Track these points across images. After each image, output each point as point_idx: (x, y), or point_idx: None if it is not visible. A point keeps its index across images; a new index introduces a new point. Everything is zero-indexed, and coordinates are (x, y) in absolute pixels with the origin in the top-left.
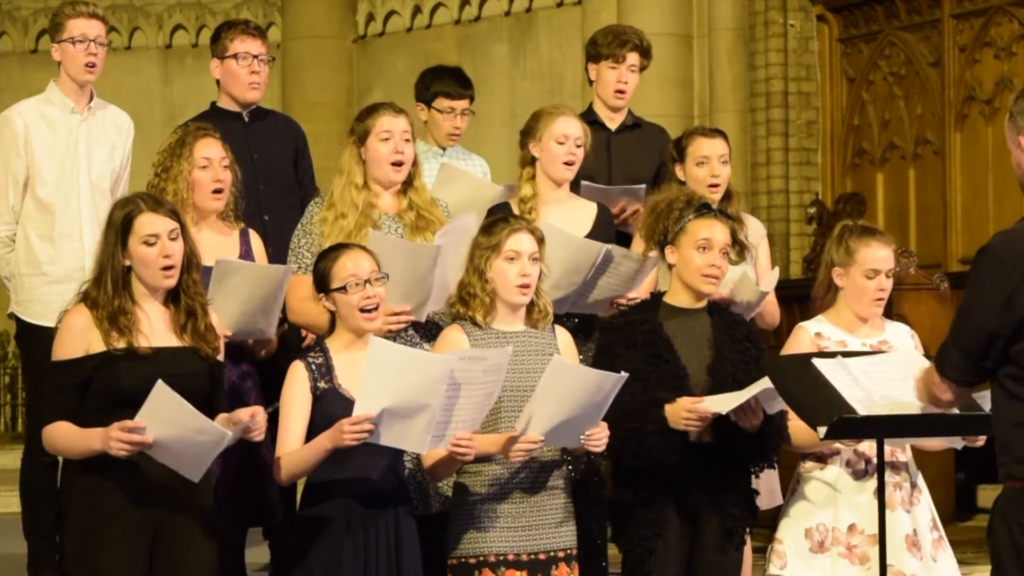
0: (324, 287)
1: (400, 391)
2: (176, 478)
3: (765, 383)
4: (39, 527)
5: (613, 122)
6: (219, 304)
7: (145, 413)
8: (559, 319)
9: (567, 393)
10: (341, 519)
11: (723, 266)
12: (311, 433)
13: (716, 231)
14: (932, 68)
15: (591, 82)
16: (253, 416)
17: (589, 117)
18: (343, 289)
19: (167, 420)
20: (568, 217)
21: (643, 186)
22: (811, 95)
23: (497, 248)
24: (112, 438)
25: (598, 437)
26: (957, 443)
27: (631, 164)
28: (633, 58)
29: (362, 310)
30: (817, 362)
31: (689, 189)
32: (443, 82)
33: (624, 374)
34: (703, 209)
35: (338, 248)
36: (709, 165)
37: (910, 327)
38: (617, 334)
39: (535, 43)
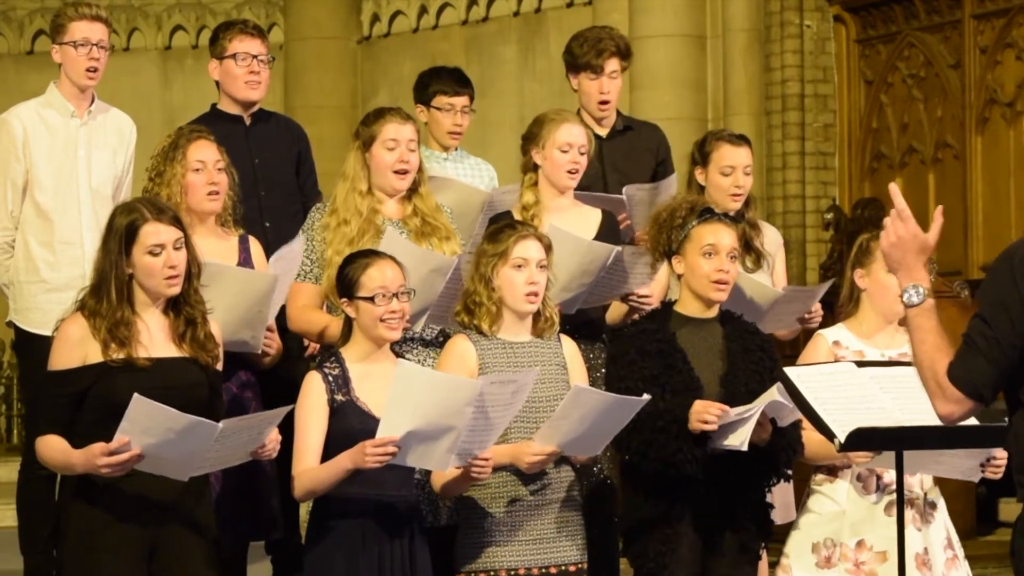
0: (349, 293)
1: (426, 414)
2: (175, 491)
3: (772, 394)
4: (36, 541)
5: (602, 128)
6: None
7: (125, 428)
8: (563, 325)
9: (587, 414)
10: (356, 534)
11: (732, 270)
12: (327, 446)
13: (722, 235)
14: (952, 70)
15: (574, 88)
16: (272, 440)
17: None
18: (370, 299)
19: (149, 429)
20: (572, 224)
21: (623, 197)
22: (828, 97)
23: (504, 255)
24: (99, 464)
25: None
26: (975, 476)
27: (626, 169)
28: (613, 64)
29: (384, 320)
30: (838, 372)
31: (692, 196)
32: (441, 81)
33: (647, 397)
34: (706, 213)
35: (368, 255)
36: (734, 175)
37: None
38: (630, 342)
39: (544, 44)
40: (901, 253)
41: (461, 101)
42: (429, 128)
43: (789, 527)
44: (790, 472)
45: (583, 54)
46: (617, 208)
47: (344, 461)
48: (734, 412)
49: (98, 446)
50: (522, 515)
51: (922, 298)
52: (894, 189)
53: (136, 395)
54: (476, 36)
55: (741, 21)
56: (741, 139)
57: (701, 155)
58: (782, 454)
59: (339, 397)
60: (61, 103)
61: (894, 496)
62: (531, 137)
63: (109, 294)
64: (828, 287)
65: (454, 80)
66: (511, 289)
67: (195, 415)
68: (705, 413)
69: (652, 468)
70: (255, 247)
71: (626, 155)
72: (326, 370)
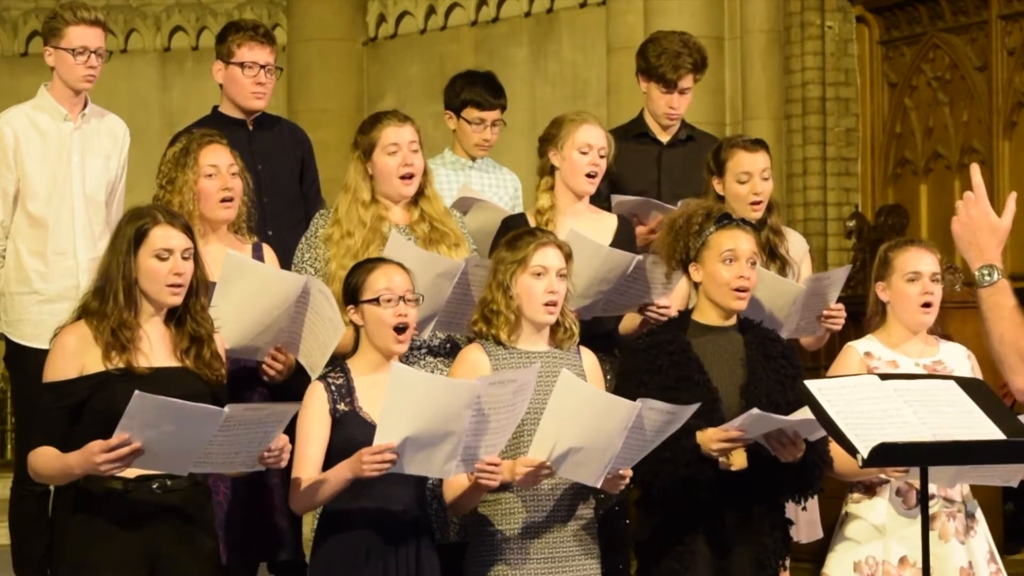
0: (354, 299)
1: (423, 419)
2: (176, 502)
3: (806, 412)
4: (29, 560)
5: (665, 135)
6: (220, 310)
7: (125, 425)
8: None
9: (575, 415)
10: (360, 549)
11: (752, 277)
12: (329, 458)
13: (741, 241)
14: (979, 72)
15: (643, 90)
16: (281, 448)
17: (639, 128)
18: (375, 301)
19: (151, 423)
20: (588, 229)
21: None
22: (850, 101)
23: (523, 263)
24: (97, 462)
25: (621, 482)
26: (1014, 480)
27: (682, 180)
28: (688, 81)
29: (395, 329)
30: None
31: (708, 202)
32: (474, 90)
33: (639, 404)
34: (724, 220)
35: (374, 261)
36: (751, 182)
37: (966, 348)
38: (641, 356)
39: (557, 46)
40: (971, 233)
41: (493, 115)
42: (456, 135)
43: (817, 545)
44: (821, 486)
45: (658, 65)
46: None
47: (343, 471)
48: (762, 432)
49: (96, 444)
50: (534, 532)
51: (996, 278)
52: (975, 169)
53: (137, 392)
54: (486, 37)
55: (760, 22)
56: (757, 144)
57: (716, 164)
58: (815, 469)
59: (341, 407)
60: (53, 107)
61: (935, 510)
62: (549, 138)
63: (116, 295)
64: (848, 272)
65: (488, 92)
66: (529, 298)
67: None
68: (723, 446)
69: (663, 492)
70: (269, 254)
71: (684, 166)
72: (330, 380)
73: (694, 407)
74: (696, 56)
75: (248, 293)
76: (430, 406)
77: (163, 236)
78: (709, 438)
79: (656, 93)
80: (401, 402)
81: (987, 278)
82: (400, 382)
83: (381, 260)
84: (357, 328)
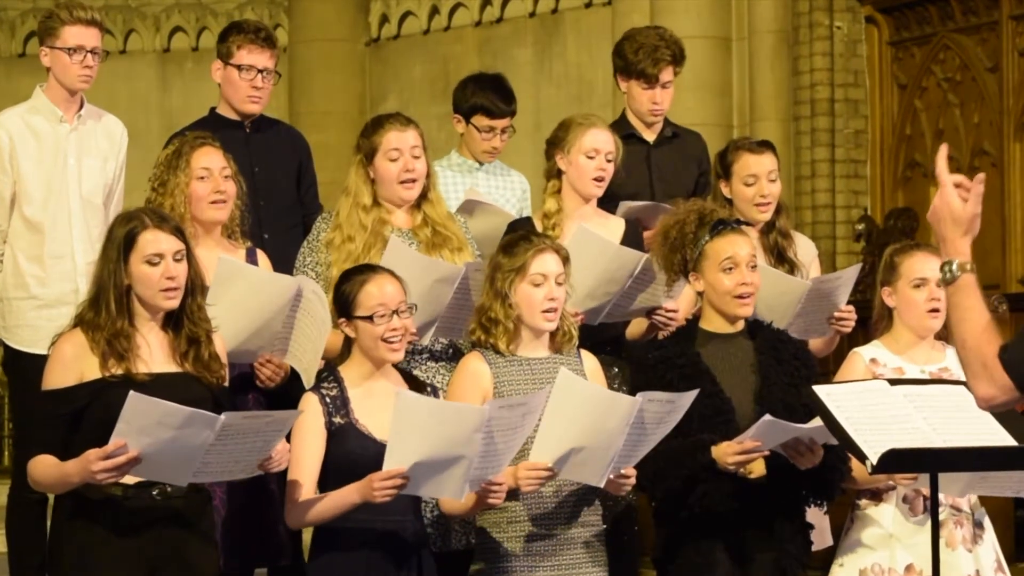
0: (347, 313)
1: (432, 444)
2: (175, 509)
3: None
4: (26, 568)
5: (651, 134)
6: (213, 313)
7: (121, 430)
8: (583, 338)
9: (576, 413)
10: (360, 563)
11: (754, 281)
12: (326, 470)
13: (738, 246)
14: (989, 73)
15: (623, 90)
16: (280, 452)
17: (625, 130)
18: (369, 319)
19: (146, 428)
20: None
21: None
22: (859, 103)
23: (522, 271)
24: (94, 471)
25: (625, 480)
26: None
27: (671, 177)
28: (668, 74)
29: (386, 340)
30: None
31: (699, 204)
32: (485, 95)
33: (639, 399)
34: (719, 226)
35: (364, 271)
36: (758, 184)
37: None
38: (651, 372)
39: (562, 46)
40: (937, 223)
41: (503, 123)
42: (464, 139)
43: (826, 553)
44: (843, 490)
45: (637, 61)
46: None
47: (351, 495)
48: (756, 433)
49: (93, 452)
50: (539, 540)
51: (954, 276)
52: (942, 152)
53: (132, 392)
54: (490, 38)
55: (768, 22)
56: (763, 145)
57: (723, 167)
58: (835, 472)
59: (337, 420)
60: (49, 108)
61: (943, 517)
62: (556, 141)
63: (108, 305)
64: (858, 272)
65: (499, 98)
66: (529, 306)
67: None
68: (739, 460)
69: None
70: (263, 259)
71: (672, 163)
72: (323, 391)
73: (693, 394)
74: (674, 48)
75: (241, 296)
76: (438, 432)
77: (153, 241)
78: (724, 452)
79: (637, 91)
80: (408, 429)
81: (947, 275)
82: (407, 409)
83: (371, 269)
84: (348, 336)
